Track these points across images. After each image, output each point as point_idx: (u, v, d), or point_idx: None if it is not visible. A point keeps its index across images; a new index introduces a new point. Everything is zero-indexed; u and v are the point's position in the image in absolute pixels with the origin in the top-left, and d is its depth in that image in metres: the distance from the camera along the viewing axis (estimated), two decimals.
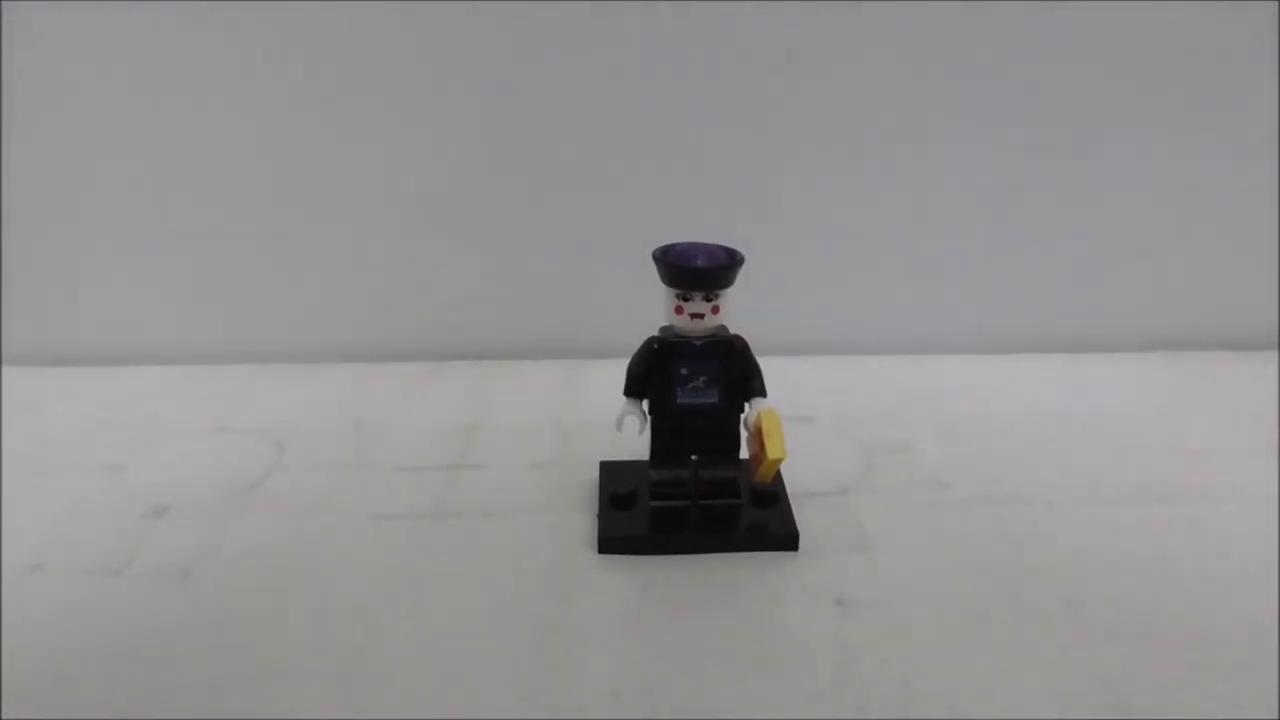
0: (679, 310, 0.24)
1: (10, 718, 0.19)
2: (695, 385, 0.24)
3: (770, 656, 0.20)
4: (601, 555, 0.24)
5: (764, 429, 0.23)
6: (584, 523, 0.25)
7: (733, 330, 0.25)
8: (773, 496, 0.25)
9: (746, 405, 0.24)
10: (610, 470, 0.27)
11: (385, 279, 0.38)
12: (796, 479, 0.27)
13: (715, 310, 0.24)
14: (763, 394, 0.24)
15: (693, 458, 0.25)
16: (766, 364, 0.25)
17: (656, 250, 0.24)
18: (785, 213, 0.36)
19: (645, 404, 0.25)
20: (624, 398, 0.25)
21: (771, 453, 0.23)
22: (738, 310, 0.25)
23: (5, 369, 0.37)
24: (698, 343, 0.24)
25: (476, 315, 0.38)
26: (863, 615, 0.22)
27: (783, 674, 0.20)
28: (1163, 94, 0.36)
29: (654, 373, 0.24)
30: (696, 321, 0.24)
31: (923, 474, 0.28)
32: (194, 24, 0.34)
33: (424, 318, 0.38)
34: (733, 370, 0.24)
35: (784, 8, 0.34)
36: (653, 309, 0.25)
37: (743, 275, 0.24)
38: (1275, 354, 0.37)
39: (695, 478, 0.25)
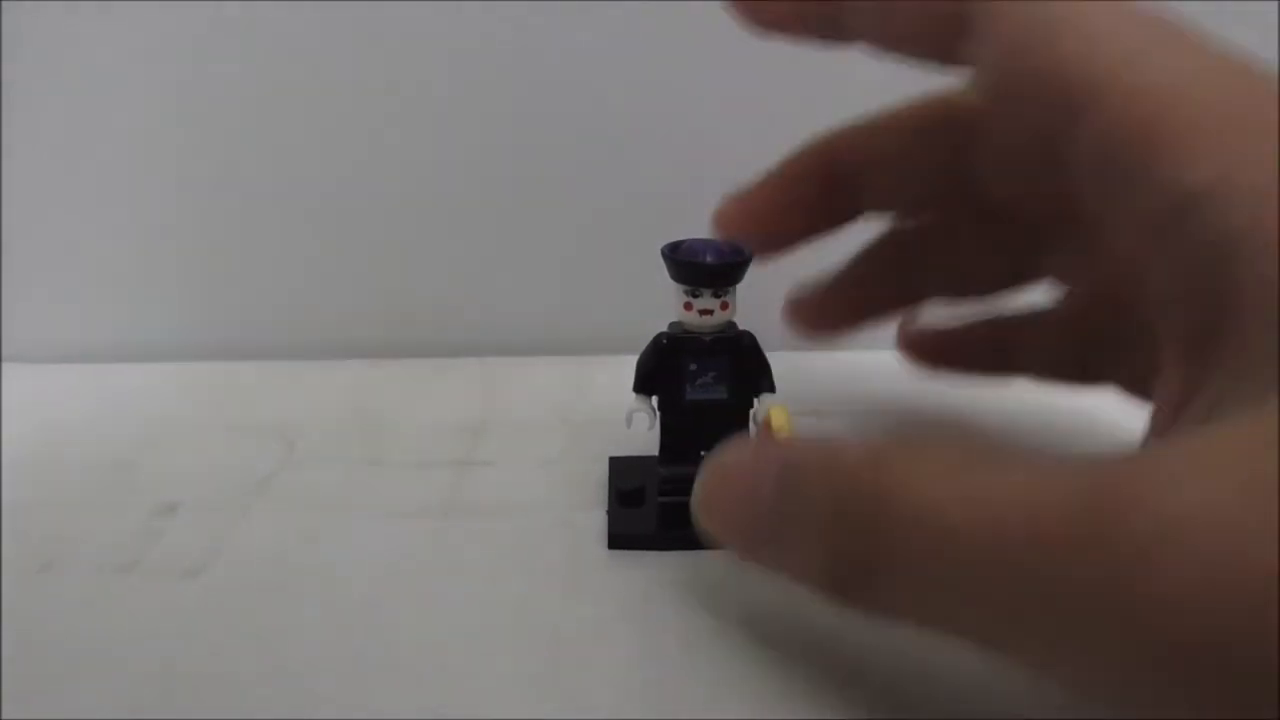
0: (688, 306, 0.24)
1: (15, 717, 0.19)
2: (704, 381, 0.24)
3: (781, 653, 0.20)
4: (611, 552, 0.24)
5: (772, 425, 0.23)
6: (593, 519, 0.25)
7: (741, 325, 0.25)
8: None
9: (755, 401, 0.24)
10: (619, 466, 0.27)
11: (394, 276, 0.38)
12: None
13: (724, 306, 0.24)
14: (771, 390, 0.24)
15: (702, 454, 0.25)
16: (775, 358, 0.25)
17: (665, 247, 0.24)
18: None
19: (654, 400, 0.25)
20: (633, 394, 0.24)
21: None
22: (747, 304, 0.25)
23: (12, 366, 0.37)
24: (706, 338, 0.24)
25: (485, 311, 0.38)
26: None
27: (794, 671, 0.20)
28: None
29: (663, 369, 0.24)
30: (705, 318, 0.24)
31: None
32: (197, 16, 0.34)
33: (433, 314, 0.38)
34: (742, 366, 0.24)
35: None
36: (662, 305, 0.25)
37: (752, 269, 0.24)
38: None
39: None
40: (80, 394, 0.35)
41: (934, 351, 0.29)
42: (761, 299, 0.26)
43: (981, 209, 0.23)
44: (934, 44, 0.19)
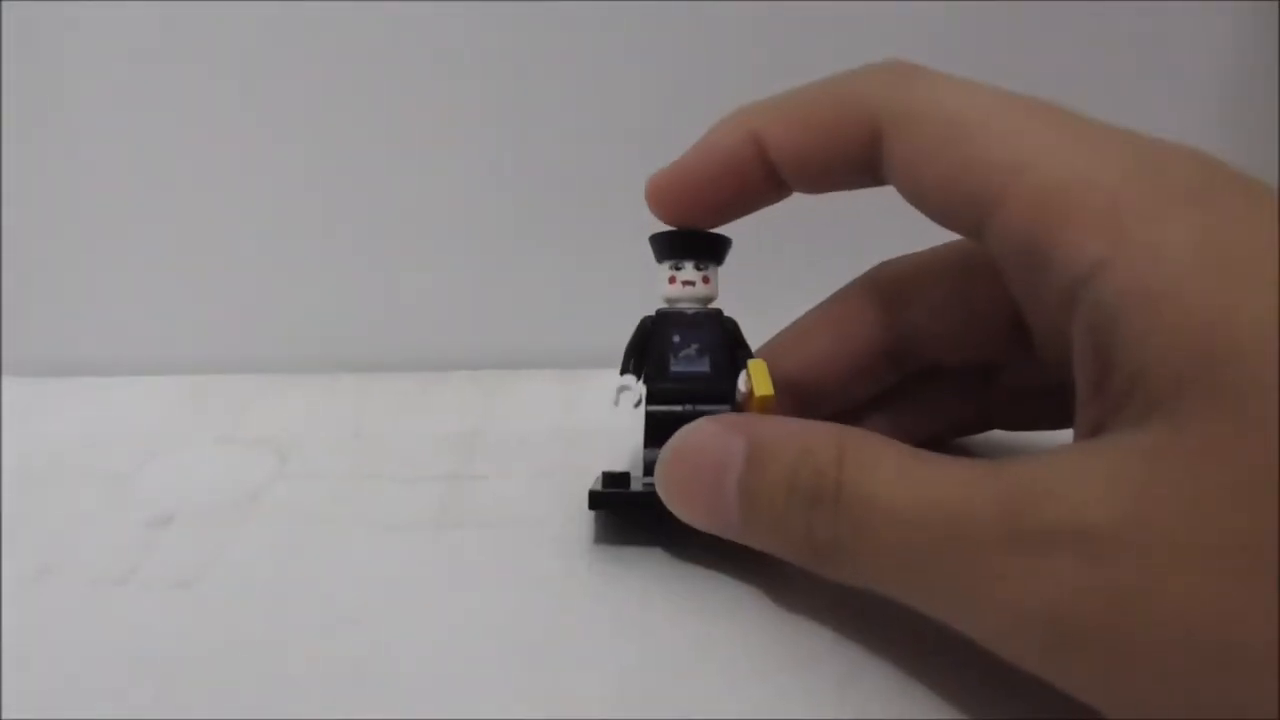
0: (672, 280, 0.25)
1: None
2: (688, 353, 0.25)
3: (775, 658, 0.20)
4: (603, 561, 0.24)
5: (752, 378, 0.24)
6: (585, 531, 0.26)
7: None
8: None
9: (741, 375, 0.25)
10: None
11: (386, 289, 0.38)
12: None
13: (706, 280, 0.25)
14: (752, 357, 0.25)
15: None
16: None
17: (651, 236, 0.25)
18: (785, 213, 0.36)
19: (640, 382, 0.25)
20: (620, 376, 0.25)
21: (759, 389, 0.23)
22: (739, 311, 0.25)
23: (7, 379, 0.37)
24: (689, 312, 0.25)
25: (477, 325, 0.39)
26: (867, 614, 0.22)
27: (789, 675, 0.20)
28: (1160, 93, 0.36)
29: (649, 344, 0.25)
30: (689, 288, 0.25)
31: None
32: (196, 29, 0.35)
33: (425, 327, 0.39)
34: (724, 343, 0.25)
35: (784, 7, 0.34)
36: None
37: (740, 272, 0.24)
38: None
39: None
40: (76, 407, 0.35)
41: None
42: (752, 301, 0.26)
43: (924, 370, 0.26)
44: (857, 168, 0.21)
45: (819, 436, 0.19)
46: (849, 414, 0.27)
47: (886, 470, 0.18)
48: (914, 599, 0.18)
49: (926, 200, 0.20)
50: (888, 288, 0.26)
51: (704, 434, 0.22)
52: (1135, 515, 0.14)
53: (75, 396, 0.36)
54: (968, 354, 0.25)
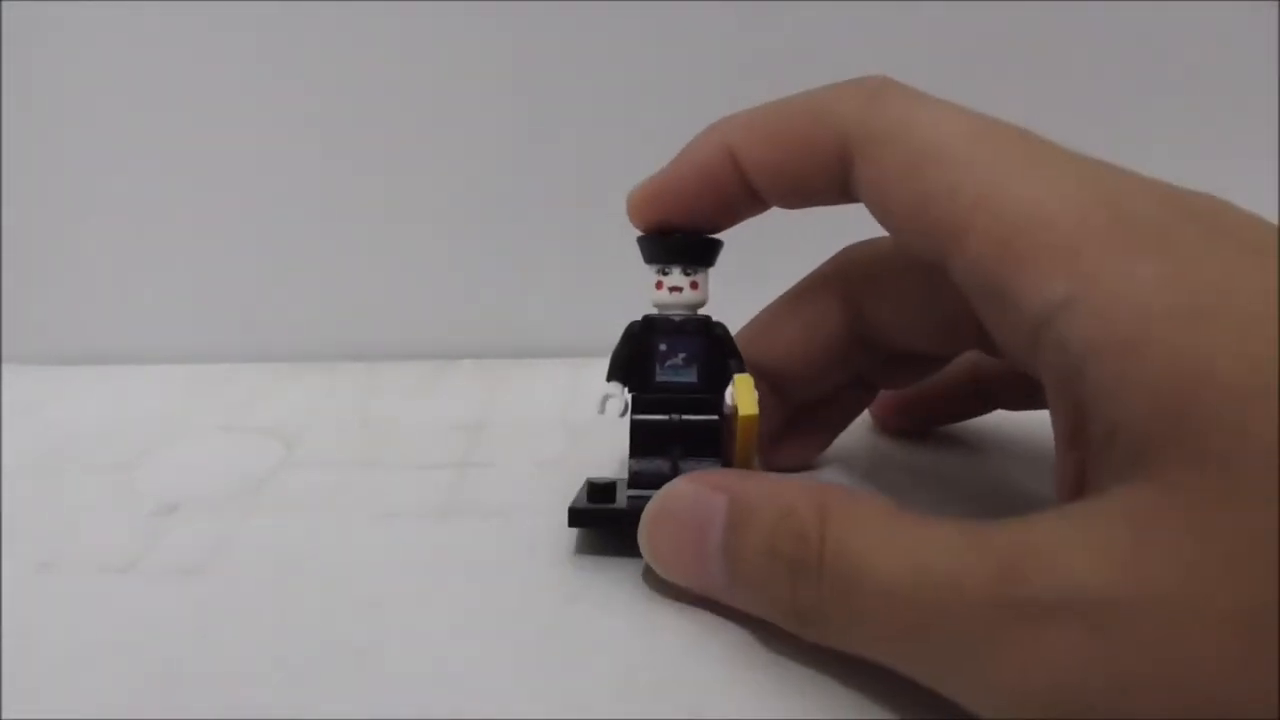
0: (659, 285, 0.24)
1: (15, 717, 0.19)
2: (674, 363, 0.24)
3: (776, 652, 0.20)
4: (606, 555, 0.24)
5: (736, 394, 0.23)
6: None
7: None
8: None
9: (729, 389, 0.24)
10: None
11: (393, 278, 0.38)
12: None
13: (694, 286, 0.24)
14: (741, 371, 0.23)
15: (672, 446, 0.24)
16: None
17: (639, 236, 0.24)
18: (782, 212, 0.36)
19: (626, 390, 0.24)
20: (606, 383, 0.24)
21: (742, 409, 0.22)
22: (732, 313, 0.25)
23: (11, 368, 0.37)
24: (676, 319, 0.24)
25: (484, 314, 0.38)
26: None
27: (789, 670, 0.20)
28: (1160, 95, 0.36)
29: (635, 353, 0.24)
30: (675, 295, 0.24)
31: (923, 470, 0.28)
32: (200, 21, 0.34)
33: (431, 316, 0.39)
34: (712, 354, 0.24)
35: (782, 8, 0.34)
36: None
37: (737, 274, 0.24)
38: None
39: (675, 470, 0.24)
40: (81, 395, 0.35)
41: (915, 412, 0.30)
42: (747, 304, 0.26)
43: (888, 360, 0.26)
44: (829, 186, 0.21)
45: (800, 496, 0.19)
46: (828, 398, 0.27)
47: (872, 534, 0.17)
48: (905, 669, 0.17)
49: (893, 227, 0.20)
50: (855, 276, 0.25)
51: (683, 495, 0.21)
52: (1134, 584, 0.14)
53: (79, 385, 0.36)
54: (941, 345, 0.24)
